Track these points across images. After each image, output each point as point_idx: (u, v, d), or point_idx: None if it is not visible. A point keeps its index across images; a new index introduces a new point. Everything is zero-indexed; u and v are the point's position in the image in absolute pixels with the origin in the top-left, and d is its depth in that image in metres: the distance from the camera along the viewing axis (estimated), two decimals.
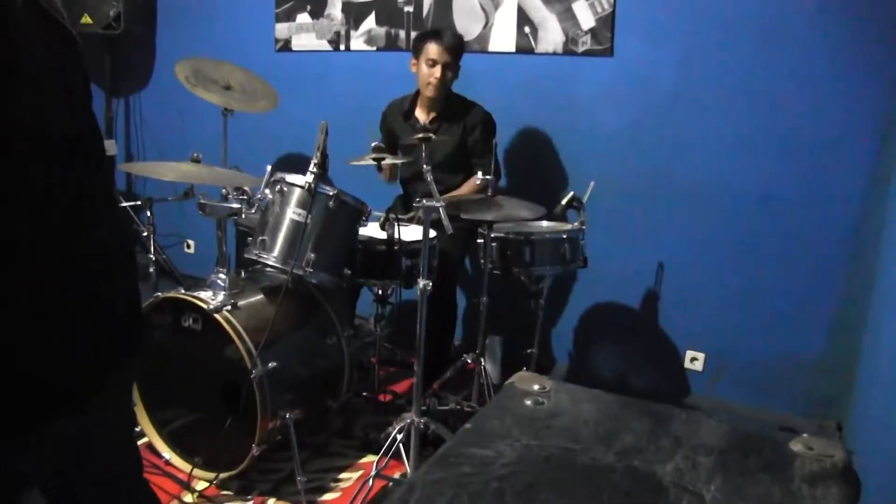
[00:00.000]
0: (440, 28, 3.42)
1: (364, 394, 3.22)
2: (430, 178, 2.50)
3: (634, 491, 0.92)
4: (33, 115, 1.05)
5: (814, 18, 3.05)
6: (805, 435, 1.08)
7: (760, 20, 3.13)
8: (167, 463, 2.68)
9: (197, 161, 2.73)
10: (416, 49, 3.28)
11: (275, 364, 2.46)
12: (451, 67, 3.26)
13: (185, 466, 2.64)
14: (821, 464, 1.01)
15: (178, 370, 2.66)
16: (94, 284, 1.16)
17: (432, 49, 3.21)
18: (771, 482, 0.94)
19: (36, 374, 1.08)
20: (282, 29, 4.27)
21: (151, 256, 3.15)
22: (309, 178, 2.52)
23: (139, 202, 3.27)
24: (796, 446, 1.06)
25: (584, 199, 2.99)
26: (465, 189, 3.31)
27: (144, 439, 2.73)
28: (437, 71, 3.22)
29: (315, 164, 2.51)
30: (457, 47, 3.26)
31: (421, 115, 3.40)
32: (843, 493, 0.92)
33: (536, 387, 1.25)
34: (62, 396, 1.13)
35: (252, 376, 2.39)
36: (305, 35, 4.20)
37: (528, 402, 1.18)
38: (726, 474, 0.96)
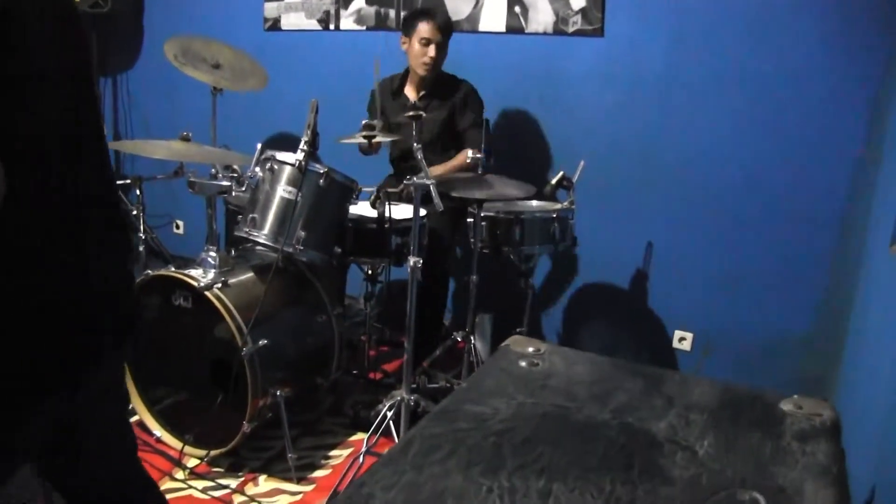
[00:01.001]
0: (432, 7, 3.42)
1: (354, 372, 3.24)
2: (420, 155, 2.51)
3: (629, 445, 0.94)
4: (41, 119, 1.06)
5: (803, 2, 3.06)
6: (795, 396, 1.10)
7: (750, 3, 3.14)
8: (158, 440, 2.70)
9: (187, 139, 2.72)
10: (408, 28, 3.28)
11: (265, 342, 2.48)
12: (444, 46, 3.26)
13: (176, 444, 2.66)
14: (810, 422, 1.04)
15: (169, 348, 2.67)
16: (90, 269, 1.18)
17: (425, 28, 3.21)
18: (762, 438, 0.97)
19: (32, 353, 1.09)
20: (271, 8, 4.25)
21: (141, 235, 3.16)
22: (299, 155, 2.53)
23: (128, 181, 3.26)
24: (787, 406, 1.09)
25: (574, 179, 3.01)
26: (456, 162, 3.31)
27: (135, 417, 2.75)
28: (431, 50, 3.22)
29: (305, 142, 2.52)
30: (448, 26, 3.27)
31: (410, 92, 3.40)
32: (832, 449, 0.95)
33: (531, 349, 1.27)
34: (56, 375, 1.14)
35: (243, 354, 2.41)
36: (294, 14, 4.18)
37: (523, 364, 1.21)
38: (718, 431, 0.98)
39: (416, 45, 3.25)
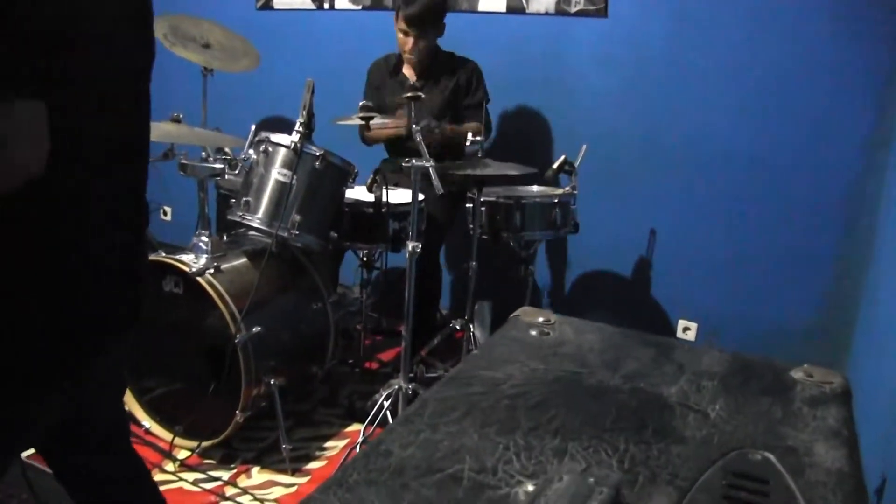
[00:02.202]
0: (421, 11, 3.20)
1: (350, 362, 3.24)
2: (419, 137, 2.50)
3: (642, 408, 0.97)
4: (102, 125, 1.10)
5: None
6: (805, 365, 1.12)
7: None
8: (147, 432, 2.69)
9: (177, 121, 2.72)
10: (395, 10, 3.23)
11: (259, 329, 2.47)
12: (426, 35, 3.19)
13: (166, 435, 2.66)
14: (821, 389, 1.06)
15: (159, 336, 2.65)
16: (107, 259, 1.19)
17: (401, 18, 3.15)
18: (772, 403, 0.99)
19: (43, 345, 1.09)
20: None
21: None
22: (295, 137, 2.51)
23: None
24: (797, 374, 1.10)
25: (576, 164, 3.01)
26: (464, 129, 3.24)
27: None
28: (410, 42, 3.19)
29: (301, 124, 2.50)
30: (425, 16, 3.14)
31: (408, 71, 3.37)
32: (843, 414, 0.97)
33: (541, 319, 1.29)
34: (65, 367, 1.15)
35: (236, 341, 2.40)
36: None
37: (534, 333, 1.23)
38: (729, 396, 1.01)
39: (399, 34, 3.21)
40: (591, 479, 0.70)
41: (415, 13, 3.10)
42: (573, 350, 1.17)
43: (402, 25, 3.15)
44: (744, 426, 0.92)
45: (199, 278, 2.44)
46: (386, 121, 2.91)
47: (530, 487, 0.73)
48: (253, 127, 2.62)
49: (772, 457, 0.81)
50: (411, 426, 0.89)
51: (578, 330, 1.26)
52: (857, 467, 0.82)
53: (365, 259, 3.13)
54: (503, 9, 3.65)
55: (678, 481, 0.77)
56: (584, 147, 3.01)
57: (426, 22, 3.15)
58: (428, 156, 2.46)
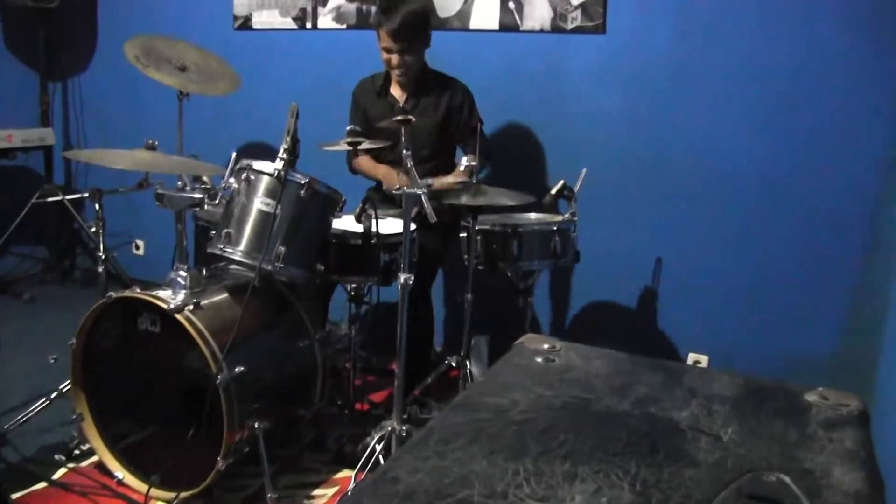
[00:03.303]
0: (390, 6, 3.24)
1: (339, 403, 3.26)
2: (410, 163, 2.56)
3: (652, 432, 1.01)
4: None
5: None
6: (820, 388, 1.17)
7: None
8: (120, 483, 2.69)
9: (152, 148, 2.75)
10: (375, 29, 3.28)
11: (242, 368, 2.49)
12: (410, 51, 3.23)
13: (140, 486, 2.65)
14: (836, 412, 1.10)
15: (134, 378, 2.68)
16: None
17: (383, 34, 3.20)
18: (786, 426, 1.03)
19: None
20: (241, 4, 4.31)
21: (101, 255, 3.16)
22: (278, 164, 2.56)
23: (86, 194, 3.27)
24: (811, 397, 1.15)
25: (576, 189, 3.06)
26: (452, 178, 3.31)
27: (94, 458, 2.76)
28: (394, 59, 3.24)
29: (285, 150, 2.55)
30: (407, 27, 3.18)
31: (397, 91, 3.43)
32: (860, 436, 1.00)
33: (546, 346, 1.33)
34: None
35: (217, 382, 2.42)
36: (267, 12, 4.25)
37: (539, 360, 1.27)
38: (742, 419, 1.05)
39: (382, 53, 3.27)
40: (605, 500, 0.74)
41: (396, 27, 3.14)
42: (580, 376, 1.21)
43: (386, 42, 3.21)
44: (758, 449, 0.96)
45: (177, 315, 2.46)
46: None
47: None
48: (234, 154, 2.66)
49: (787, 479, 0.85)
50: (418, 453, 0.93)
51: (584, 356, 1.31)
52: (877, 490, 0.86)
53: (353, 293, 3.17)
54: (496, 26, 3.73)
55: (692, 503, 0.81)
56: (584, 171, 3.06)
57: (409, 33, 3.19)
58: (419, 181, 2.51)
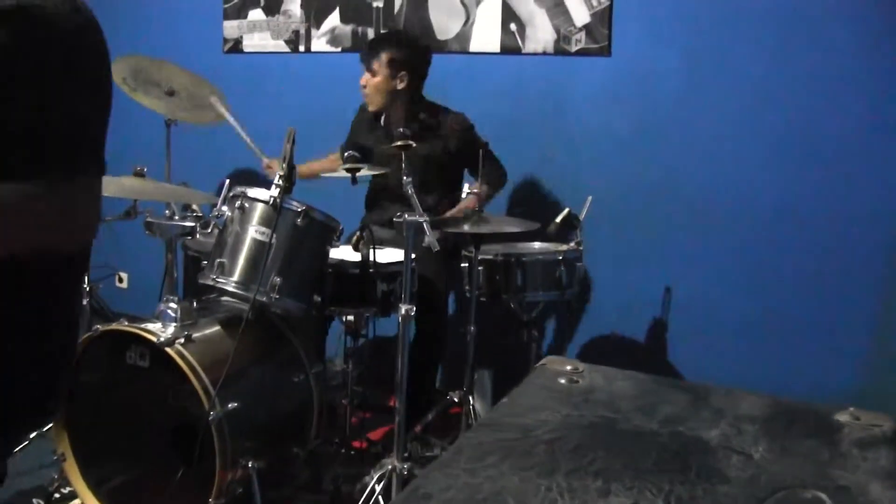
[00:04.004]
0: (377, 42, 3.47)
1: (336, 441, 3.26)
2: (411, 191, 2.59)
3: (683, 451, 1.04)
4: None
5: (840, 9, 3.15)
6: (851, 408, 1.20)
7: (778, 11, 3.24)
8: None
9: (141, 175, 2.79)
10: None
11: (235, 404, 2.49)
12: (374, 71, 3.34)
13: None
14: (869, 431, 1.12)
15: (120, 416, 2.67)
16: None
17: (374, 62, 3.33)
18: (819, 445, 1.06)
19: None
20: (231, 27, 4.37)
21: (85, 287, 3.18)
22: (274, 191, 2.58)
23: None
24: (842, 416, 1.17)
25: (581, 217, 3.09)
26: (461, 206, 3.34)
27: (76, 502, 2.74)
28: (374, 92, 3.36)
29: (281, 176, 2.57)
30: (404, 54, 3.33)
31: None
32: None
33: (569, 367, 1.37)
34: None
35: (210, 419, 2.42)
36: (259, 34, 4.30)
37: (563, 381, 1.31)
38: (772, 439, 1.08)
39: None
40: None
41: (374, 38, 3.32)
42: (605, 397, 1.25)
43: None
44: (791, 467, 0.99)
45: (167, 349, 2.46)
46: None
47: None
48: (227, 181, 2.69)
49: (823, 495, 0.87)
50: (448, 470, 0.96)
51: (608, 377, 1.34)
52: None
53: (351, 325, 3.17)
54: (497, 49, 3.78)
55: None
56: (590, 198, 3.10)
57: (374, 53, 3.32)
58: (421, 209, 2.54)
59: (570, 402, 1.20)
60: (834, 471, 0.97)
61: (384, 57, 3.31)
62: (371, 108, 3.43)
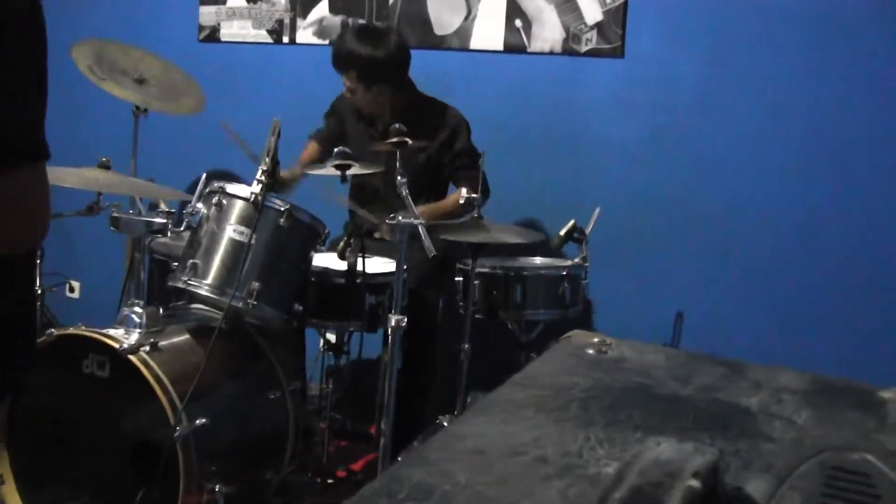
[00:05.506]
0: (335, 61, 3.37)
1: (312, 471, 3.24)
2: (405, 191, 2.60)
3: (721, 413, 1.07)
4: None
5: (875, 9, 3.19)
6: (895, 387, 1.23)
7: (806, 12, 3.28)
8: None
9: (106, 167, 2.78)
10: None
11: (204, 421, 2.47)
12: (356, 84, 3.31)
13: None
14: None
15: (74, 431, 2.65)
16: None
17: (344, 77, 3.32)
18: (864, 416, 1.09)
19: None
20: (208, 13, 4.38)
21: (38, 290, 3.17)
22: (255, 188, 2.58)
23: None
24: (887, 394, 1.20)
25: (588, 230, 3.12)
26: (446, 203, 3.38)
27: None
28: (358, 100, 3.36)
29: (263, 171, 2.58)
30: (371, 73, 3.27)
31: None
32: None
33: (596, 339, 1.39)
34: None
35: (175, 435, 2.40)
36: (238, 22, 4.32)
37: (591, 351, 1.33)
38: (815, 408, 1.11)
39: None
40: (692, 445, 0.80)
41: (366, 65, 3.24)
42: (637, 366, 1.28)
43: (347, 82, 3.32)
44: (836, 431, 1.02)
45: (130, 356, 2.44)
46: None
47: None
48: (204, 176, 2.69)
49: (871, 457, 0.90)
50: (482, 418, 1.00)
51: (639, 350, 1.37)
52: None
53: (332, 342, 3.16)
54: (500, 47, 3.81)
55: (774, 471, 0.86)
56: (597, 210, 3.14)
57: (380, 72, 3.28)
58: (416, 212, 2.56)
59: (601, 368, 1.24)
60: (881, 437, 1.00)
61: (353, 74, 3.28)
62: (364, 112, 3.45)
